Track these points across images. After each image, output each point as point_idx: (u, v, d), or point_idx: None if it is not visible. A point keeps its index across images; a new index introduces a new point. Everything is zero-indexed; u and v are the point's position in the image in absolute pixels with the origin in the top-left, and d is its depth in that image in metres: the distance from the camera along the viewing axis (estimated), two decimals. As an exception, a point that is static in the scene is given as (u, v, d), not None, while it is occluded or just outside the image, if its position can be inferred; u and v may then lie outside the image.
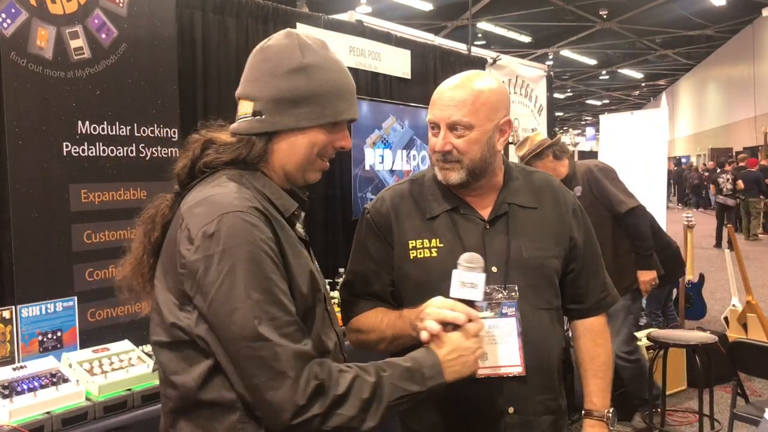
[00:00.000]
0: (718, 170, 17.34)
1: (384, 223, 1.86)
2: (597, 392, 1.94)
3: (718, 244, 14.11)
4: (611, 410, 1.95)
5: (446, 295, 1.78)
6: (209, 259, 1.30)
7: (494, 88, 1.80)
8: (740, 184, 15.46)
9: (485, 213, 1.84)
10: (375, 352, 1.87)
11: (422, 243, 1.82)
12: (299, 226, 1.57)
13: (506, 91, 1.86)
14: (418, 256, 1.81)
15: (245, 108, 1.49)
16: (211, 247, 1.30)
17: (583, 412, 1.96)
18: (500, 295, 1.78)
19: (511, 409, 1.77)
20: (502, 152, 1.90)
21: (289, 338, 1.29)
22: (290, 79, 1.45)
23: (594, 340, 1.97)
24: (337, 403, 1.29)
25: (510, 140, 2.11)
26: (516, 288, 1.79)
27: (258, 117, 1.47)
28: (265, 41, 1.54)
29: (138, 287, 1.53)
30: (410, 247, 1.82)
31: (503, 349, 1.77)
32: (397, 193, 1.92)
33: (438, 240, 1.81)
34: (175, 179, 1.53)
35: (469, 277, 1.57)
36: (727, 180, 15.70)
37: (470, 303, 1.56)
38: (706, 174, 22.50)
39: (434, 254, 1.80)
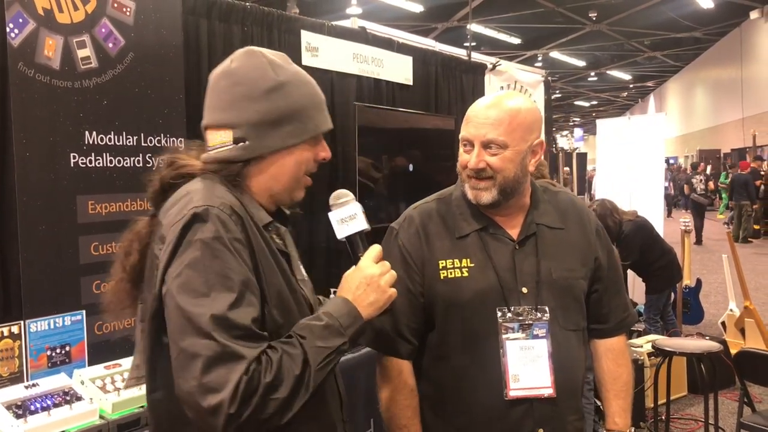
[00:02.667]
0: (691, 171, 18.61)
1: (414, 245, 1.84)
2: (619, 412, 1.96)
3: (698, 241, 14.88)
4: (632, 429, 1.97)
5: (476, 316, 1.77)
6: (174, 252, 1.29)
7: (530, 109, 1.79)
8: (711, 185, 16.56)
9: (514, 233, 1.83)
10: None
11: (452, 263, 1.80)
12: (278, 239, 1.53)
13: (540, 113, 1.86)
14: (449, 276, 1.79)
15: (222, 137, 1.45)
16: (178, 240, 1.29)
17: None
18: (531, 316, 1.77)
19: (540, 431, 1.75)
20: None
21: (236, 341, 1.23)
22: (269, 100, 1.43)
23: (616, 361, 1.98)
24: (270, 390, 1.24)
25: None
26: (547, 309, 1.78)
27: (242, 144, 1.43)
28: (225, 64, 1.49)
29: (122, 315, 1.51)
30: (440, 267, 1.80)
31: (534, 371, 1.76)
32: (425, 211, 1.89)
33: (468, 260, 1.79)
34: (151, 202, 1.51)
35: (345, 211, 1.54)
36: (701, 180, 16.73)
37: (360, 235, 1.54)
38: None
39: (465, 274, 1.78)
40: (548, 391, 1.75)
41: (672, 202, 22.65)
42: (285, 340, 1.33)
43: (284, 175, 1.47)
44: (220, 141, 1.45)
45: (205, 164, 1.47)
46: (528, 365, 1.76)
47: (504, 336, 1.76)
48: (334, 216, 1.54)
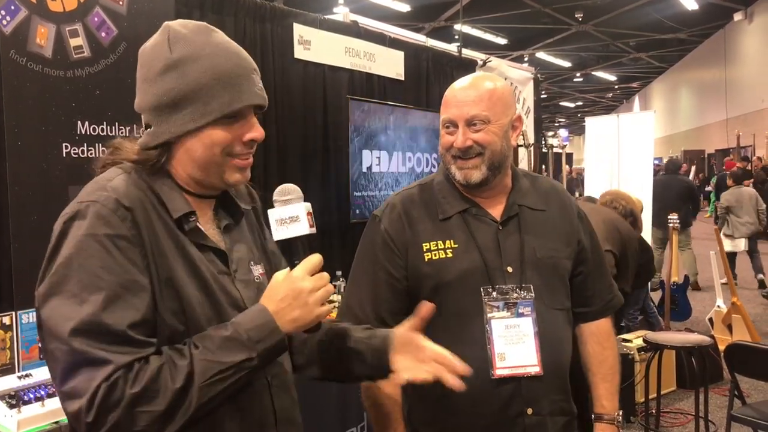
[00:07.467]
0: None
1: (397, 230, 1.84)
2: (606, 395, 1.97)
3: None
4: (620, 413, 1.98)
5: (461, 297, 1.77)
6: (54, 249, 1.22)
7: (504, 86, 1.85)
8: None
9: (496, 214, 1.85)
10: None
11: (436, 245, 1.81)
12: (216, 232, 1.40)
13: (512, 90, 1.90)
14: (433, 257, 1.80)
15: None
16: (58, 238, 1.22)
17: (593, 416, 1.98)
18: (516, 294, 1.78)
19: (529, 410, 1.76)
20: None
21: (102, 346, 1.14)
22: (162, 81, 1.29)
23: (602, 344, 1.99)
24: (138, 401, 1.13)
25: (520, 143, 2.13)
26: (531, 288, 1.80)
27: (149, 129, 1.33)
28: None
29: None
30: (425, 250, 1.81)
31: (520, 349, 1.77)
32: (407, 197, 1.91)
33: (452, 241, 1.81)
34: None
35: (286, 211, 1.33)
36: None
37: (301, 240, 1.34)
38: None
39: (449, 255, 1.80)
40: (535, 369, 1.76)
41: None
42: (178, 347, 1.22)
43: (195, 160, 1.32)
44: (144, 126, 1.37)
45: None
46: (514, 344, 1.76)
47: (489, 315, 1.77)
48: (273, 214, 1.35)
